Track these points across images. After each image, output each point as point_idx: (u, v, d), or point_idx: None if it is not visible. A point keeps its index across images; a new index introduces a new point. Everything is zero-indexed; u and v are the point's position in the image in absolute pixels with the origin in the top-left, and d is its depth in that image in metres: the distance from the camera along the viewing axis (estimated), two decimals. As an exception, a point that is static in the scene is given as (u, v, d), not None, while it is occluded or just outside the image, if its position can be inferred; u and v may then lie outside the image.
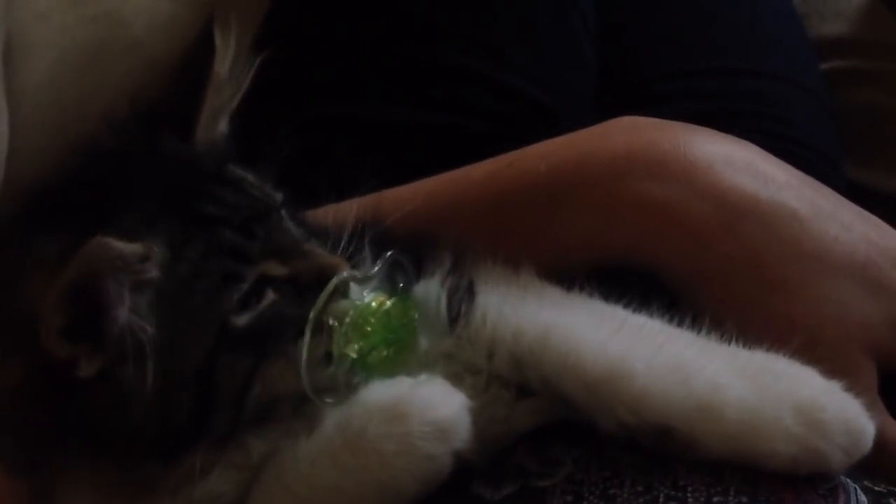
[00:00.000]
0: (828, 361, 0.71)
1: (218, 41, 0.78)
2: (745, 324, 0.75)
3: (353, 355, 0.73)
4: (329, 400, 0.73)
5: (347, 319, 0.73)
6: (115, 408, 0.69)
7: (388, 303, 0.74)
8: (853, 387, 0.70)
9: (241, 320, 0.71)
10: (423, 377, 0.72)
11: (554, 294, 0.77)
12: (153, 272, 0.68)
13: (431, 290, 0.77)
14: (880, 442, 0.71)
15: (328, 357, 0.73)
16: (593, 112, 1.13)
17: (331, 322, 0.73)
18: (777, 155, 1.05)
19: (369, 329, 0.74)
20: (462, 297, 0.77)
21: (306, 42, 1.11)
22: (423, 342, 0.76)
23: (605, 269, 0.81)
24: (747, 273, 0.79)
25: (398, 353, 0.75)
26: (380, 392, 0.71)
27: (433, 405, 0.69)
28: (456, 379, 0.74)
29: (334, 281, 0.73)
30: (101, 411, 0.69)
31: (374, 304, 0.74)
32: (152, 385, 0.68)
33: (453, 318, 0.76)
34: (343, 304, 0.74)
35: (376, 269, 0.76)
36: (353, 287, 0.74)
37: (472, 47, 1.07)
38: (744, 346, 0.73)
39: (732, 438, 0.68)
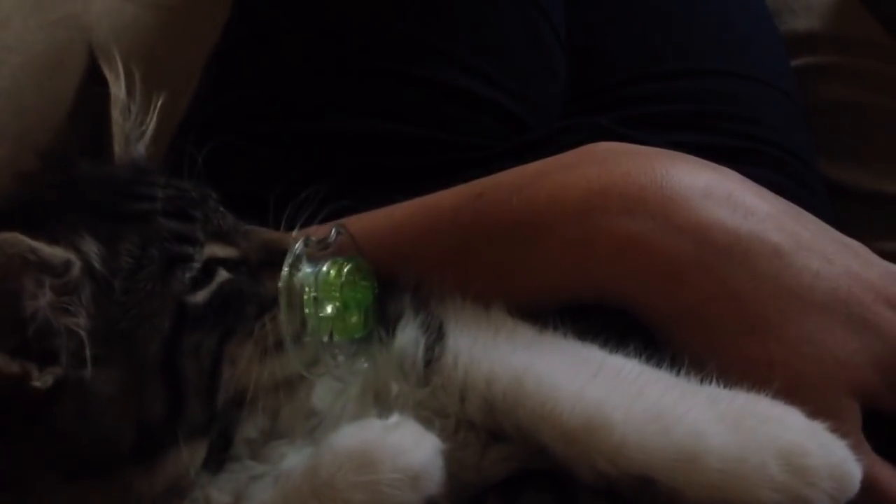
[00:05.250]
0: (810, 403, 0.67)
1: (104, 67, 0.79)
2: (725, 365, 0.71)
3: (331, 312, 0.71)
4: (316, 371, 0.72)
5: (313, 283, 0.71)
6: (86, 417, 0.66)
7: (347, 266, 0.73)
8: (837, 429, 0.67)
9: (198, 297, 0.70)
10: (394, 419, 0.69)
11: (527, 334, 0.73)
12: (77, 269, 0.66)
13: (410, 335, 0.74)
14: (868, 483, 0.67)
15: (303, 326, 0.71)
16: (563, 117, 1.10)
17: (300, 286, 0.71)
18: (750, 156, 1.03)
19: (337, 289, 0.72)
20: (433, 340, 0.73)
21: (268, 53, 1.06)
22: (395, 387, 0.72)
23: (580, 305, 0.77)
24: (726, 313, 0.74)
25: (365, 317, 0.73)
26: (349, 437, 0.67)
27: (404, 451, 0.66)
28: (425, 423, 0.70)
29: (298, 245, 0.72)
30: (72, 426, 0.66)
31: (332, 271, 0.73)
32: (117, 382, 0.66)
33: (426, 364, 0.72)
34: (304, 272, 0.72)
35: (332, 237, 0.75)
36: (305, 261, 0.73)
37: (442, 59, 1.03)
38: (725, 385, 0.69)
39: (716, 488, 0.64)
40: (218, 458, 0.71)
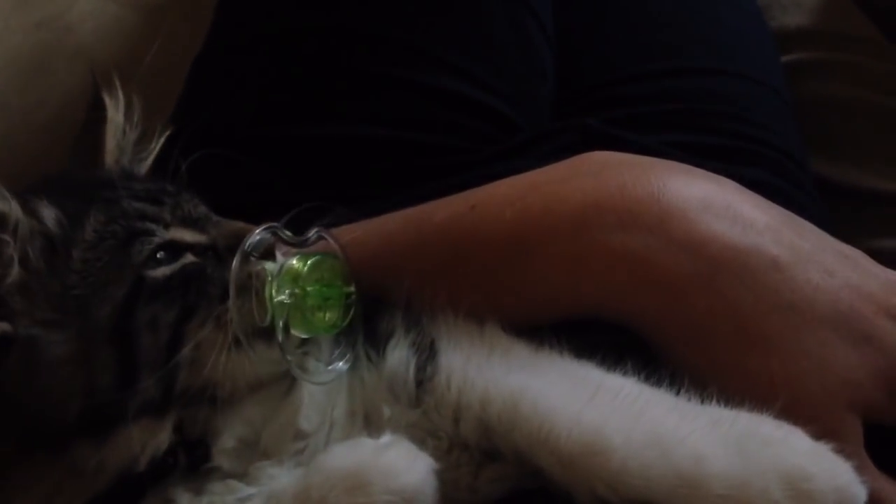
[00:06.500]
0: (811, 419, 0.65)
1: (105, 94, 0.80)
2: (725, 381, 0.68)
3: (286, 299, 0.69)
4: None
5: (276, 271, 0.70)
6: (32, 377, 0.65)
7: (312, 259, 0.71)
8: (840, 447, 0.64)
9: (159, 273, 0.69)
10: (386, 438, 0.66)
11: (522, 353, 0.70)
12: (23, 225, 0.67)
13: (401, 355, 0.71)
14: (873, 503, 0.64)
15: (263, 315, 0.69)
16: (554, 118, 1.07)
17: (261, 271, 0.70)
18: (741, 155, 1.00)
19: (299, 279, 0.70)
20: (426, 358, 0.70)
21: (252, 58, 1.03)
22: (386, 410, 0.70)
23: (576, 320, 0.74)
24: (725, 328, 0.71)
25: (336, 317, 0.71)
26: (340, 458, 0.65)
27: (397, 472, 0.63)
28: (418, 443, 0.67)
29: (259, 230, 0.71)
30: (17, 385, 0.65)
31: (299, 263, 0.71)
32: (66, 345, 0.65)
33: (418, 384, 0.69)
34: (270, 264, 0.71)
35: (309, 236, 0.74)
36: (278, 254, 0.72)
37: (428, 61, 1.00)
38: (726, 403, 0.66)
39: (719, 514, 0.61)
40: (198, 473, 0.69)
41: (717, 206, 0.74)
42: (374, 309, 0.74)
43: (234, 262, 0.69)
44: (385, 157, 0.97)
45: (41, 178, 0.77)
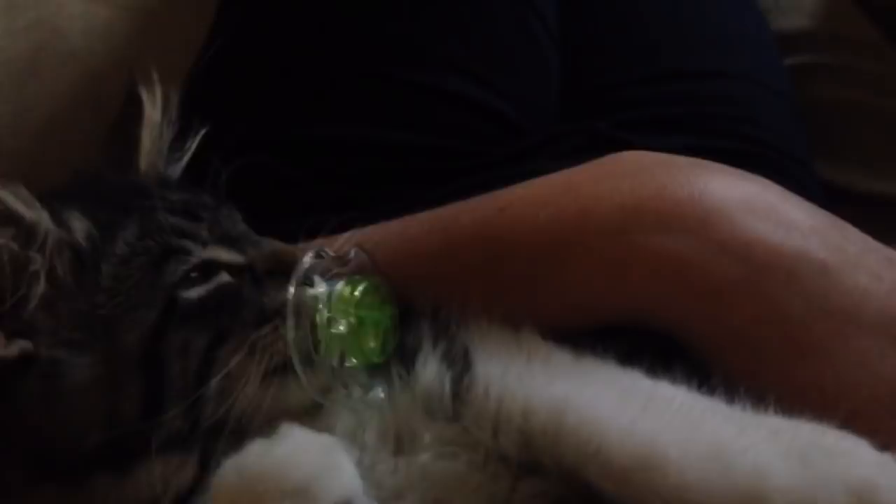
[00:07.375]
0: (864, 429, 0.61)
1: (143, 91, 0.76)
2: (775, 390, 0.64)
3: (344, 329, 0.65)
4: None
5: (326, 300, 0.66)
6: (51, 403, 0.61)
7: (362, 284, 0.67)
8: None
9: (192, 294, 0.65)
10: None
11: (564, 360, 0.66)
12: (51, 234, 0.63)
13: (433, 370, 0.66)
14: None
15: (314, 346, 0.65)
16: (558, 120, 1.04)
17: (311, 301, 0.66)
18: (747, 158, 0.97)
19: (352, 307, 0.66)
20: (461, 370, 0.66)
21: (258, 59, 1.00)
22: (421, 430, 0.65)
23: (617, 325, 0.70)
24: (773, 336, 0.68)
25: (384, 341, 0.68)
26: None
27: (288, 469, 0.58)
28: (451, 457, 0.64)
29: (308, 258, 0.67)
30: (36, 411, 0.62)
31: (347, 288, 0.67)
32: (90, 370, 0.62)
33: (454, 397, 0.65)
34: (317, 289, 0.67)
35: (351, 255, 0.70)
36: (318, 279, 0.67)
37: (434, 62, 0.97)
38: (781, 412, 0.62)
39: (783, 530, 0.57)
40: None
41: (760, 207, 0.71)
42: (400, 319, 0.70)
43: (292, 292, 0.65)
44: (390, 158, 0.93)
45: (74, 181, 0.74)
